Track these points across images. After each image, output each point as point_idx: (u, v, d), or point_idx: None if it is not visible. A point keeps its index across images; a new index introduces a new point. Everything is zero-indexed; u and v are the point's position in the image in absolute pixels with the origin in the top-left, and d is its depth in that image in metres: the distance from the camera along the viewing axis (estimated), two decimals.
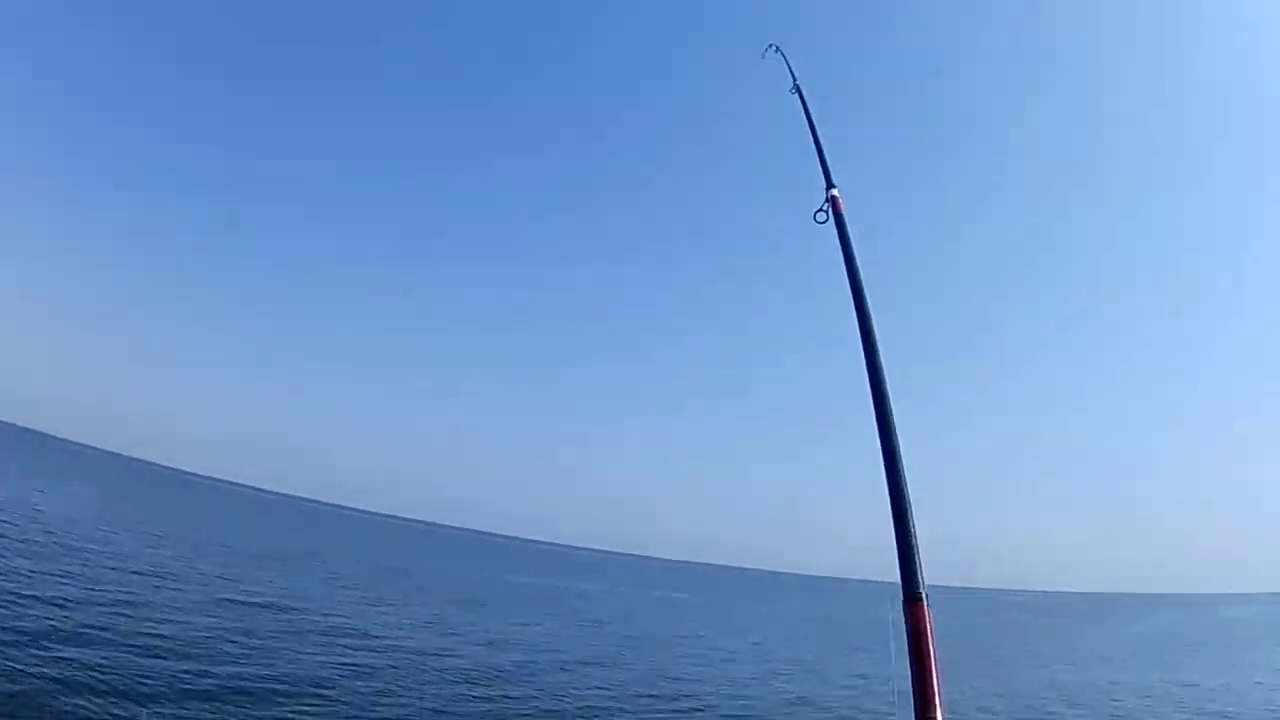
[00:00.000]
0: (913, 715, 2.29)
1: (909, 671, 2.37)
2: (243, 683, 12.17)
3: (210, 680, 12.03)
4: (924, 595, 2.50)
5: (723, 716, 15.72)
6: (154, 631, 14.48)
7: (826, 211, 3.20)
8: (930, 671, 2.33)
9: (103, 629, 13.61)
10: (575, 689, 16.32)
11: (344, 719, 11.55)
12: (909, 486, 2.74)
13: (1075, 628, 61.04)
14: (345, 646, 17.22)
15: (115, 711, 9.67)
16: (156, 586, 20.00)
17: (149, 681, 11.07)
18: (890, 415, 2.81)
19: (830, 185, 3.32)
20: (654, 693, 16.74)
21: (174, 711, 10.16)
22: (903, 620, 2.49)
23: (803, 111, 3.94)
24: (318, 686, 12.94)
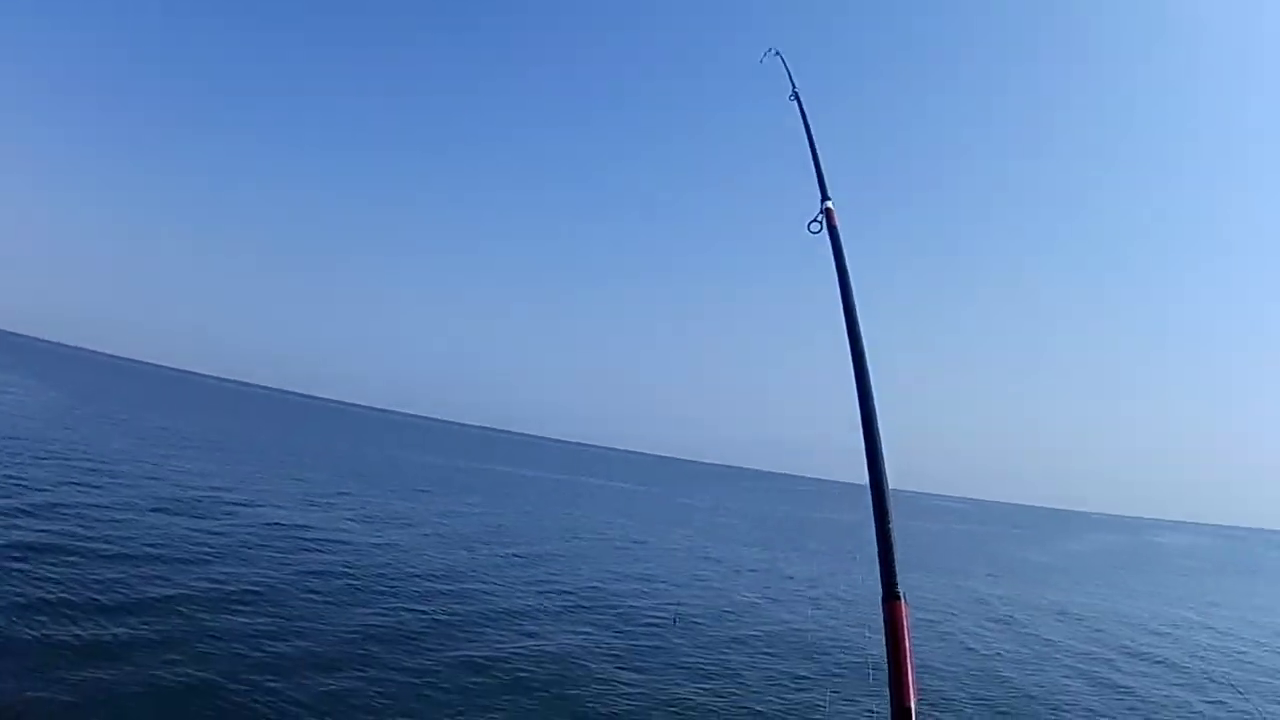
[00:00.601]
0: (889, 702, 2.56)
1: (886, 663, 2.63)
2: (195, 589, 12.29)
3: (160, 587, 12.06)
4: (902, 593, 2.73)
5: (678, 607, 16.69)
6: (100, 535, 14.53)
7: (821, 222, 3.32)
8: (906, 665, 2.56)
9: (51, 534, 13.64)
10: (534, 585, 17.02)
11: (299, 622, 11.78)
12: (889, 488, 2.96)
13: (1017, 540, 63.94)
14: (294, 542, 17.60)
15: (70, 629, 9.75)
16: (102, 483, 20.01)
17: (86, 592, 11.12)
18: (876, 425, 2.95)
19: (825, 197, 3.41)
20: (608, 588, 17.26)
21: (130, 624, 10.28)
22: (881, 614, 2.74)
23: (801, 119, 3.94)
24: (271, 590, 13.12)
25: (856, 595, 18.27)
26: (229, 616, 11.34)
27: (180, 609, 11.24)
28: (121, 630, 9.97)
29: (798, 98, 4.17)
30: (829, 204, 3.35)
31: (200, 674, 9.14)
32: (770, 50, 4.87)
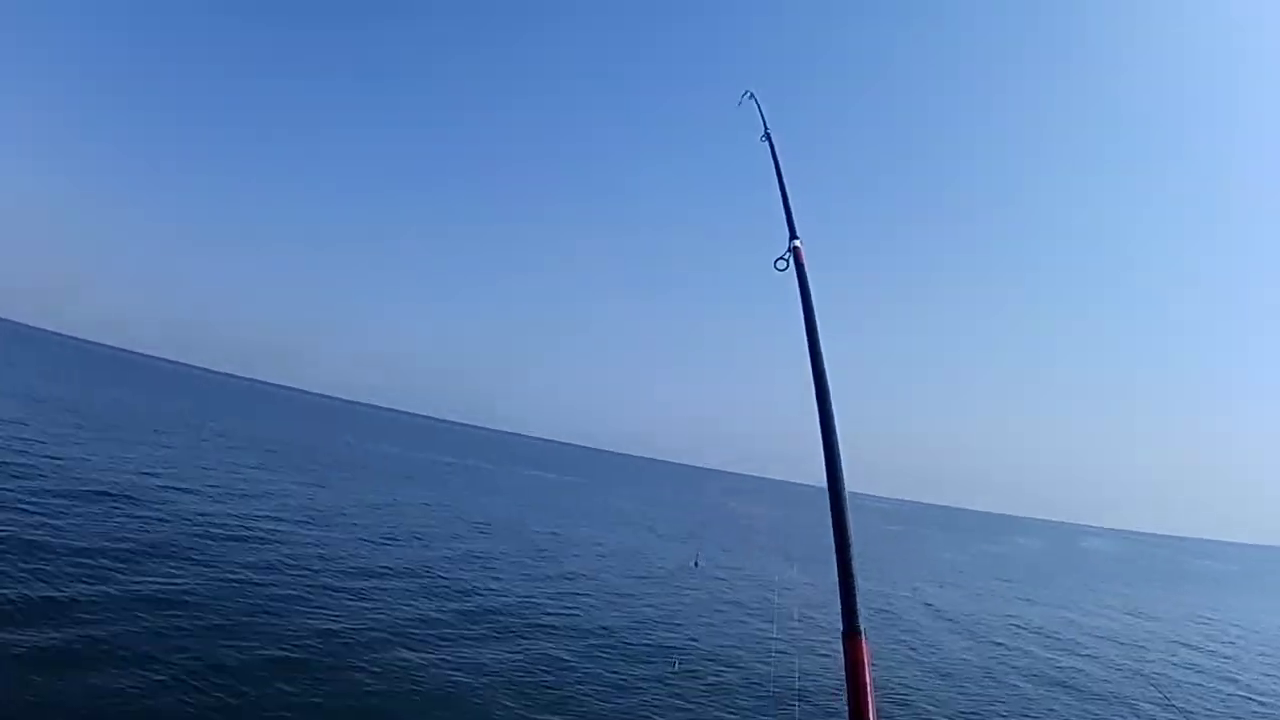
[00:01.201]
0: None
1: (848, 702, 2.66)
2: (126, 586, 11.90)
3: (90, 584, 11.61)
4: (862, 630, 2.77)
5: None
6: (25, 524, 13.93)
7: (788, 260, 3.39)
8: (867, 702, 2.61)
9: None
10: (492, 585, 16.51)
11: (238, 623, 11.52)
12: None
13: (945, 542, 65.63)
14: (229, 535, 17.22)
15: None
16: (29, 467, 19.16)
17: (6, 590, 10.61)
18: (839, 463, 3.00)
19: (793, 236, 3.50)
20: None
21: (55, 626, 9.85)
22: (841, 651, 2.77)
23: (772, 160, 4.05)
24: (207, 587, 12.80)
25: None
26: (163, 616, 10.96)
27: (111, 608, 10.81)
28: (47, 633, 9.53)
29: (769, 139, 4.29)
30: (797, 243, 3.44)
31: (132, 678, 8.82)
32: (746, 93, 4.95)
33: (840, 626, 2.73)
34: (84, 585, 11.47)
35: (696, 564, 16.00)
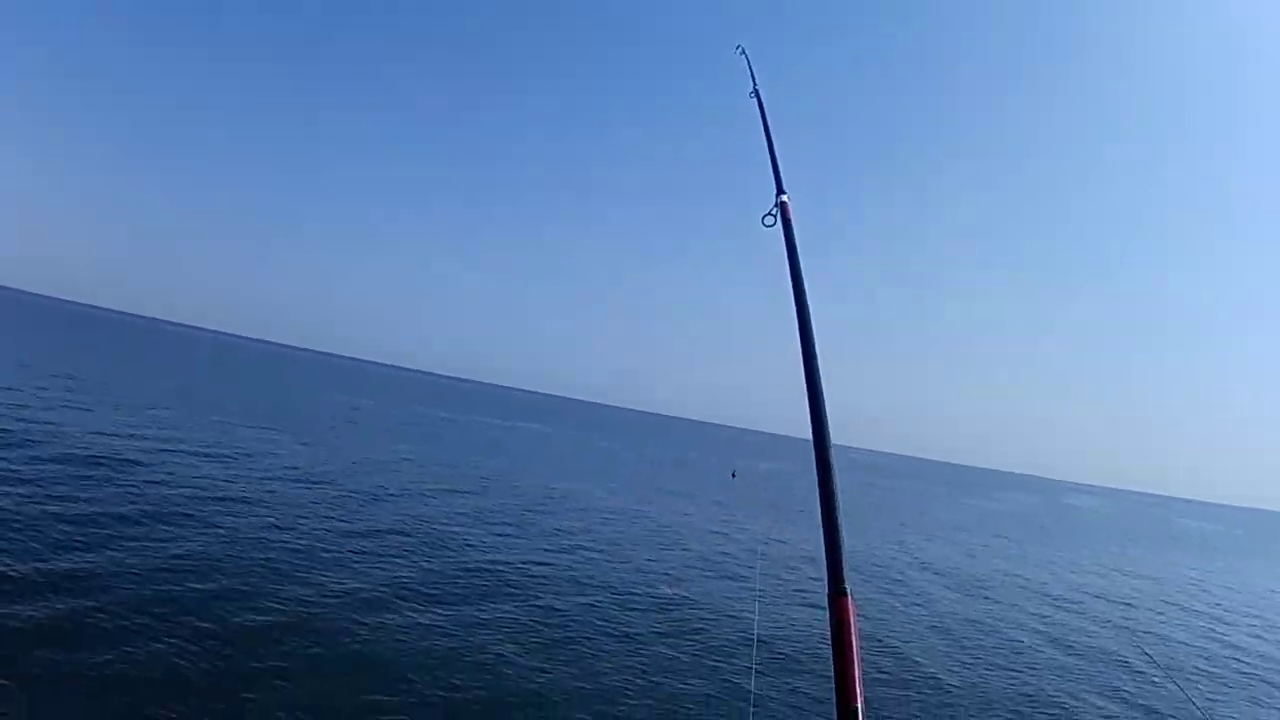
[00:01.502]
0: (834, 703, 2.56)
1: (831, 661, 2.63)
2: (122, 556, 11.82)
3: (81, 554, 11.52)
4: (849, 590, 2.72)
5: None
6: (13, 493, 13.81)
7: (775, 215, 3.30)
8: (852, 662, 2.55)
9: None
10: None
11: (243, 589, 11.49)
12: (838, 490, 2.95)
13: (929, 495, 66.38)
14: (224, 496, 17.04)
15: None
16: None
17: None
18: (824, 420, 2.94)
19: (780, 191, 3.41)
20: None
21: (52, 599, 9.77)
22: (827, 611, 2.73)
23: (760, 116, 3.99)
24: (208, 553, 12.74)
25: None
26: (165, 580, 11.00)
27: (113, 575, 10.82)
28: (51, 602, 9.53)
29: (757, 94, 4.24)
30: (784, 197, 3.35)
31: (134, 644, 8.85)
32: (738, 47, 4.89)
33: (826, 587, 2.73)
34: (86, 553, 11.45)
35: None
